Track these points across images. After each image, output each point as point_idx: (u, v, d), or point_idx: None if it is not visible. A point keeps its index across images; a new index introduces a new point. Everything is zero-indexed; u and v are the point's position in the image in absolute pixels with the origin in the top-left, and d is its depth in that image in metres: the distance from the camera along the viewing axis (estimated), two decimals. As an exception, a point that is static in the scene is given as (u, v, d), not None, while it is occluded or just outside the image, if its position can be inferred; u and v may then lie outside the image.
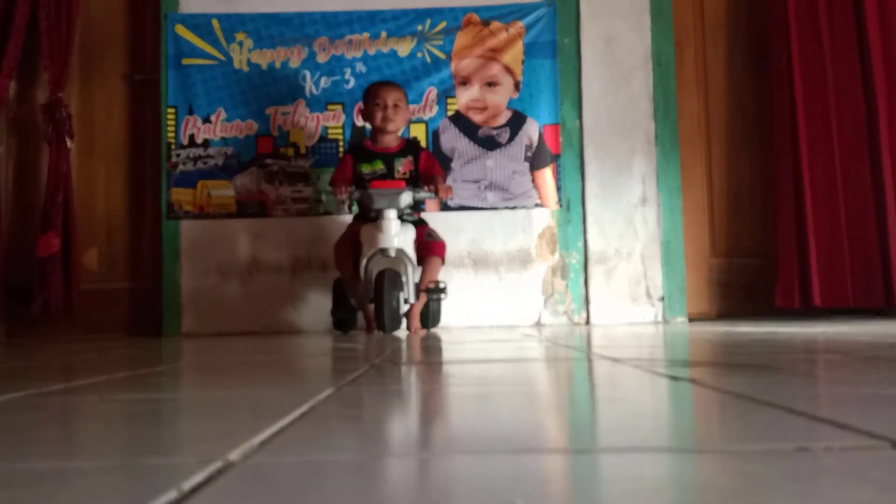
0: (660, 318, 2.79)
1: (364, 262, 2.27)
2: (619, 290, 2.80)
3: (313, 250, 2.77)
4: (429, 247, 2.42)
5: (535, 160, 2.82)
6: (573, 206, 2.83)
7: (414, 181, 2.43)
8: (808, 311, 2.70)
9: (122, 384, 1.06)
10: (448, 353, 1.54)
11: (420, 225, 2.45)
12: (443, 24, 2.83)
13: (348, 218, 2.78)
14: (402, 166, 2.46)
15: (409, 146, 2.54)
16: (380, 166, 2.44)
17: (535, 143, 2.82)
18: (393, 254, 2.25)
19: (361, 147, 2.52)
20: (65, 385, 1.06)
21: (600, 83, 2.84)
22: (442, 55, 2.82)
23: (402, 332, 2.30)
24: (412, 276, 2.30)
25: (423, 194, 2.34)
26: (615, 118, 2.84)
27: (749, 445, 0.51)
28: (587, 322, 2.80)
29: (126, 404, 0.85)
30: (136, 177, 2.90)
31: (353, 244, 2.37)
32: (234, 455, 0.49)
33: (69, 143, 2.74)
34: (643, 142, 2.83)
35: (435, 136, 2.81)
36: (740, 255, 2.96)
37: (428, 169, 2.47)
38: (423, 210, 2.56)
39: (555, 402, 0.83)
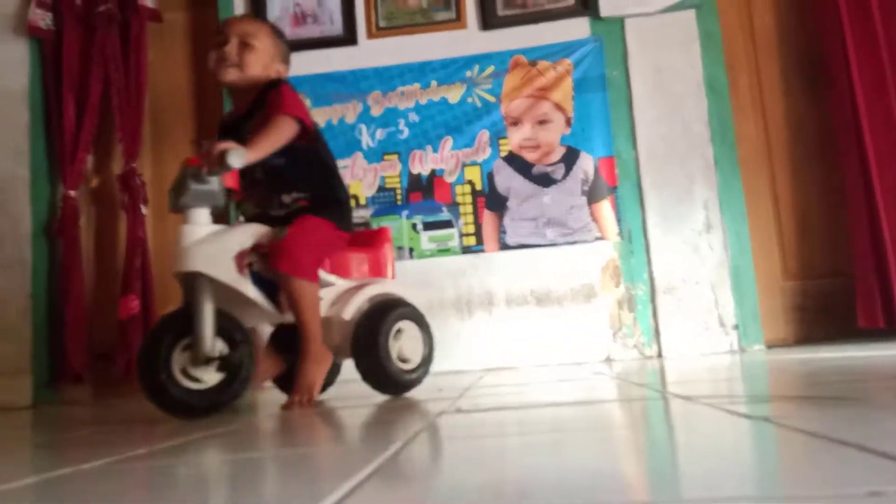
0: (735, 347, 2.70)
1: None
2: (690, 319, 2.73)
3: (377, 298, 2.82)
4: (278, 253, 1.55)
5: (592, 194, 2.81)
6: (635, 237, 2.79)
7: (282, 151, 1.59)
8: (893, 331, 2.56)
9: (201, 444, 1.10)
10: (515, 396, 1.53)
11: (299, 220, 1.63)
12: (491, 69, 2.88)
13: (411, 263, 2.83)
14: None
15: (262, 96, 1.68)
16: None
17: (590, 177, 2.81)
18: (192, 283, 1.48)
19: (221, 122, 1.84)
20: (147, 449, 1.11)
21: (653, 112, 2.82)
22: (492, 98, 2.87)
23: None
24: (208, 323, 1.45)
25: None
26: (671, 146, 2.81)
27: (817, 490, 0.50)
28: (659, 355, 2.73)
29: (206, 466, 0.88)
30: (206, 237, 3.03)
31: None
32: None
33: (144, 210, 2.90)
34: (702, 168, 2.78)
35: (490, 178, 2.84)
36: (814, 276, 2.85)
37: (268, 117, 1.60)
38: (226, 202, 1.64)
39: (632, 447, 0.82)
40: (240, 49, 1.69)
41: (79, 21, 2.97)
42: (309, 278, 1.59)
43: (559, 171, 2.83)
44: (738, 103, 2.89)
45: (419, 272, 2.83)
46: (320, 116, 2.89)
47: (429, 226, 2.84)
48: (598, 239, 2.80)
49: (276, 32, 1.79)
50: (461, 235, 2.83)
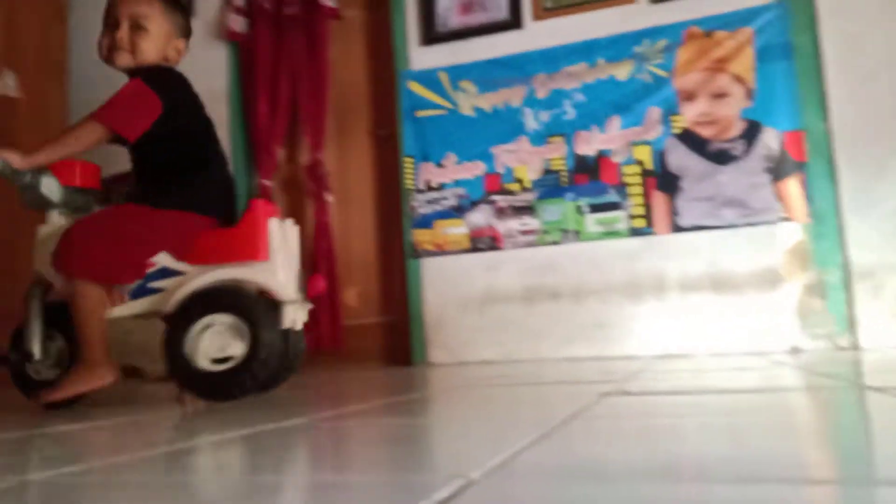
0: (948, 340, 2.39)
1: None
2: (892, 308, 2.46)
3: (544, 279, 2.83)
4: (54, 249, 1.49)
5: (777, 171, 2.61)
6: (826, 218, 2.56)
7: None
8: None
9: (380, 410, 1.19)
10: (687, 381, 1.48)
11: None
12: (662, 43, 2.76)
13: (576, 246, 2.81)
14: None
15: None
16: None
17: (775, 153, 2.61)
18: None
19: None
20: (335, 412, 1.22)
21: (847, 82, 2.56)
22: (663, 73, 2.75)
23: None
24: (35, 324, 1.51)
25: None
26: (868, 119, 2.53)
27: None
28: (854, 346, 2.49)
29: (384, 428, 0.96)
30: (383, 221, 3.21)
31: None
32: (475, 474, 0.54)
33: (328, 197, 3.14)
34: (909, 138, 2.48)
35: (661, 157, 2.74)
36: None
37: None
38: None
39: (815, 432, 0.78)
40: (132, 33, 1.61)
41: (269, 24, 3.26)
42: (81, 277, 1.43)
43: (739, 148, 2.65)
44: (957, 63, 2.53)
45: (585, 255, 2.80)
46: (486, 102, 2.94)
47: (595, 208, 2.80)
48: (783, 220, 2.59)
49: (171, 6, 1.69)
50: (630, 217, 2.76)
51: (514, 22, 2.96)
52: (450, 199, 2.96)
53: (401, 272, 3.07)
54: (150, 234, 1.51)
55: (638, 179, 2.75)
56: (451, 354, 2.91)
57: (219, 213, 1.60)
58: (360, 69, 3.31)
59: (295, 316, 1.54)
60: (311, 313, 2.99)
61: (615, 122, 2.79)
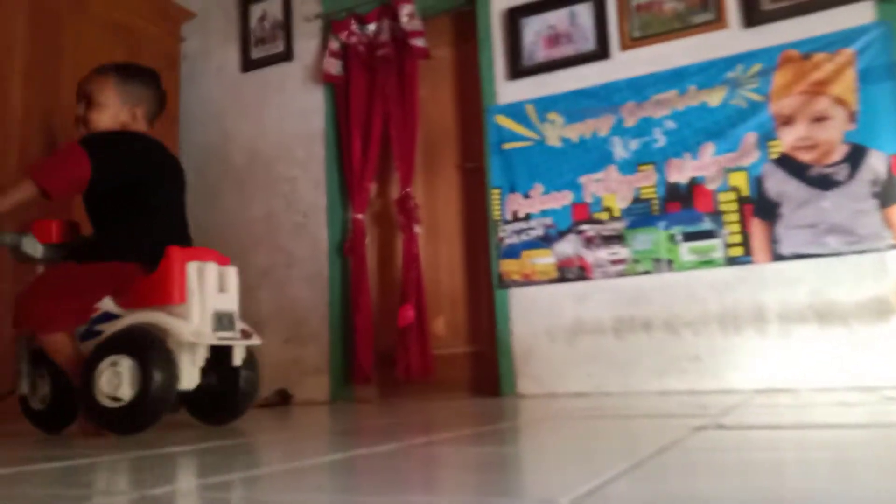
0: None
1: None
2: None
3: (635, 310, 2.78)
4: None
5: (885, 195, 2.47)
6: (943, 244, 2.39)
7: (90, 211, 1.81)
8: None
9: (470, 438, 1.21)
10: (788, 416, 1.42)
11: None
12: (757, 67, 2.69)
13: (669, 276, 2.75)
14: None
15: None
16: None
17: (882, 177, 2.48)
18: None
19: None
20: (426, 439, 1.25)
21: (964, 97, 2.40)
22: (759, 98, 2.68)
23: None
24: (23, 364, 1.80)
25: None
26: None
27: None
28: (979, 382, 2.30)
29: (475, 456, 0.97)
30: (470, 252, 3.25)
31: None
32: (563, 500, 0.56)
33: (417, 229, 3.21)
34: None
35: (758, 183, 2.65)
36: None
37: None
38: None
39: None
40: (87, 108, 1.83)
41: (362, 65, 3.41)
42: (32, 330, 1.68)
43: (842, 172, 2.54)
44: None
45: (679, 285, 2.73)
46: (573, 133, 2.95)
47: (689, 236, 2.73)
48: (892, 247, 2.45)
49: (123, 79, 1.86)
50: (726, 246, 2.67)
51: (601, 52, 2.97)
52: (537, 229, 2.97)
53: (488, 302, 3.09)
54: (80, 285, 1.69)
55: (734, 206, 2.68)
56: (540, 386, 2.89)
57: (148, 259, 1.72)
58: (448, 105, 3.39)
59: (198, 356, 1.64)
60: (402, 342, 3.08)
61: (708, 149, 2.73)
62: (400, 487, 0.71)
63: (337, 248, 3.40)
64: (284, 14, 3.65)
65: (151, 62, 3.35)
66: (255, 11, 3.73)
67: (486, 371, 3.08)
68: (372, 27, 3.39)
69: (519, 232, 3.00)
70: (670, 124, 2.80)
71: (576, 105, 2.96)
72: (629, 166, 2.85)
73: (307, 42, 3.59)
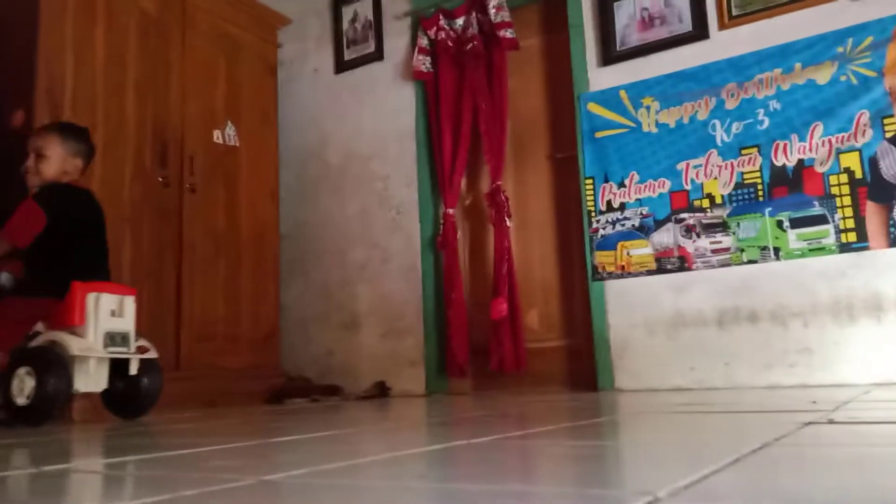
0: None
1: None
2: None
3: (739, 300, 2.67)
4: None
5: None
6: None
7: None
8: None
9: (567, 432, 1.20)
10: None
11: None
12: (868, 40, 2.51)
13: (776, 265, 2.61)
14: None
15: None
16: None
17: None
18: None
19: None
20: (522, 431, 1.25)
21: None
22: (871, 73, 2.50)
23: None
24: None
25: None
26: None
27: None
28: None
29: (572, 448, 0.97)
30: (563, 244, 3.21)
31: None
32: (661, 493, 0.54)
33: (508, 222, 3.20)
34: None
35: (873, 164, 2.47)
36: None
37: None
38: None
39: None
40: (36, 160, 2.19)
41: (451, 61, 3.43)
42: None
43: (971, 149, 2.33)
44: None
45: (786, 273, 2.59)
46: (669, 117, 2.85)
47: (797, 222, 2.59)
48: None
49: (65, 136, 2.23)
50: (838, 232, 2.52)
51: (698, 34, 2.85)
52: (633, 219, 2.90)
53: (583, 295, 3.04)
54: (14, 314, 2.09)
55: (846, 190, 2.51)
56: (638, 380, 2.82)
57: (65, 292, 2.08)
58: (538, 95, 3.36)
59: (92, 366, 2.03)
60: (496, 336, 3.08)
61: (817, 130, 2.58)
62: (498, 477, 0.72)
63: (429, 242, 3.44)
64: (375, 13, 3.73)
65: (250, 69, 3.51)
66: (347, 13, 3.83)
67: (582, 365, 3.04)
68: (460, 21, 3.41)
69: (613, 222, 2.93)
70: (775, 105, 2.66)
71: (672, 88, 2.86)
72: (731, 150, 2.73)
73: (397, 41, 3.65)
